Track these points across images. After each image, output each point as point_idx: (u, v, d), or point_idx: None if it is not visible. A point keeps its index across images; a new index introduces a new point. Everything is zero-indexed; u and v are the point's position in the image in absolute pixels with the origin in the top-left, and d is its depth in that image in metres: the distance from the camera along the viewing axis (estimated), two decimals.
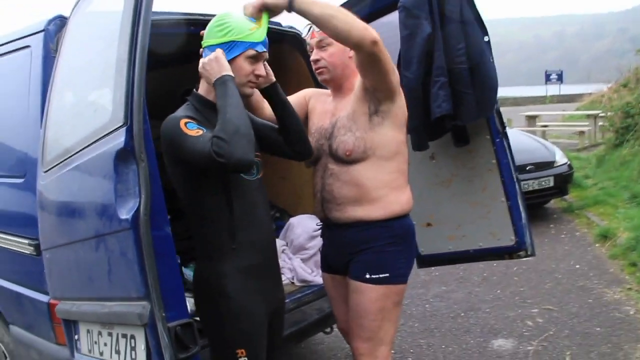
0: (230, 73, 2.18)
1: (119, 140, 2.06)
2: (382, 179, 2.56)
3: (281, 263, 3.81)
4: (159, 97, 3.15)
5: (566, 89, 35.48)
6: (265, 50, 2.29)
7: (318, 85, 3.13)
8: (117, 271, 2.20)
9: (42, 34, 3.05)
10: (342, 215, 2.60)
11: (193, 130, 2.10)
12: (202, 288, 2.31)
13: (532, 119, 17.26)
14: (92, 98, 2.52)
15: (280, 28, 3.86)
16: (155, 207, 1.99)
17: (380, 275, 2.55)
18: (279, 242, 4.06)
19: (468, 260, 3.77)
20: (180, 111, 2.26)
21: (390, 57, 2.41)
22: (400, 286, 2.62)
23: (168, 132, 2.15)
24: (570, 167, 8.12)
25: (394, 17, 3.26)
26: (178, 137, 2.10)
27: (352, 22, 2.26)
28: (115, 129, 2.10)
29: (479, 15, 3.12)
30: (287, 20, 3.43)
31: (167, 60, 3.75)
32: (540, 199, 8.03)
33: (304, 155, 2.58)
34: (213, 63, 2.19)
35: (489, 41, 3.12)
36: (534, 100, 32.53)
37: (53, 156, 2.65)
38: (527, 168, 7.53)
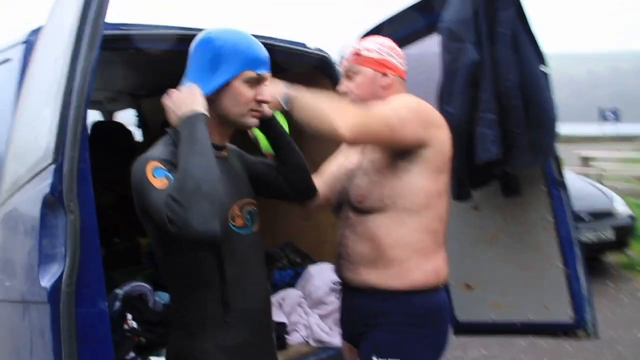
0: (203, 110, 1.76)
1: (45, 182, 1.67)
2: (403, 237, 2.18)
3: (296, 318, 3.59)
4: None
5: (622, 128, 34.67)
6: (267, 72, 1.89)
7: None
8: (36, 353, 1.79)
9: (23, 45, 2.72)
10: (354, 277, 2.28)
11: (159, 179, 1.67)
12: None
13: (586, 160, 16.57)
14: (33, 126, 2.10)
15: (306, 49, 3.56)
16: (88, 275, 1.58)
17: None
18: (296, 293, 3.73)
19: (513, 334, 3.41)
20: (155, 149, 1.84)
21: (387, 121, 2.10)
22: None
23: (134, 177, 1.73)
24: (632, 217, 7.62)
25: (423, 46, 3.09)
26: (142, 186, 1.68)
27: (320, 117, 2.05)
28: (44, 168, 1.71)
29: (536, 39, 2.72)
30: (314, 41, 3.12)
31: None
32: (596, 253, 7.51)
33: (307, 195, 2.21)
34: (185, 93, 1.78)
35: (547, 71, 2.73)
36: (587, 139, 31.93)
37: None
38: (582, 217, 7.01)
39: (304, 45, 3.55)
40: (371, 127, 2.07)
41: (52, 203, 1.65)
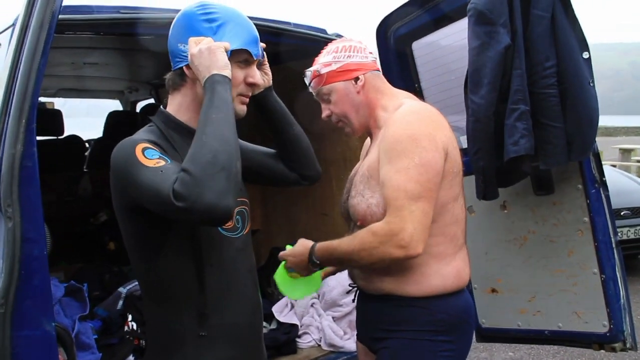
0: (226, 72, 1.59)
1: None
2: None
3: (308, 320, 3.43)
4: None
5: None
6: (259, 56, 1.75)
7: None
8: None
9: (10, 30, 2.56)
10: (368, 286, 2.17)
11: (153, 160, 1.51)
12: None
13: (626, 153, 16.17)
14: None
15: (326, 36, 3.38)
16: (31, 292, 1.36)
17: None
18: None
19: (541, 342, 3.18)
20: (139, 133, 1.68)
21: (420, 195, 1.93)
22: None
23: (118, 163, 1.56)
24: None
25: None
26: (131, 169, 1.51)
27: (368, 257, 1.95)
28: None
29: (578, 23, 2.47)
30: (334, 27, 2.97)
31: None
32: (635, 250, 7.33)
33: (313, 178, 2.13)
34: (204, 54, 1.60)
35: (589, 58, 2.48)
36: (628, 130, 31.35)
37: None
38: (622, 213, 6.94)
39: (324, 31, 3.40)
40: (413, 221, 1.89)
41: None
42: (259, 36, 1.74)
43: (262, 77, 1.82)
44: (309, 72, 2.17)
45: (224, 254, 1.71)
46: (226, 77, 1.57)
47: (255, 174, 1.96)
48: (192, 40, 1.62)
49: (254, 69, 1.72)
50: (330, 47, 2.18)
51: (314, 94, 2.22)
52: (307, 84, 2.22)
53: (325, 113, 2.20)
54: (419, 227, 1.87)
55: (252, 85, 1.72)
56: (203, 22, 1.65)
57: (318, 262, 2.02)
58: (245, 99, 1.73)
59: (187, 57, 1.64)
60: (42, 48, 1.49)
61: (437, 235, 2.04)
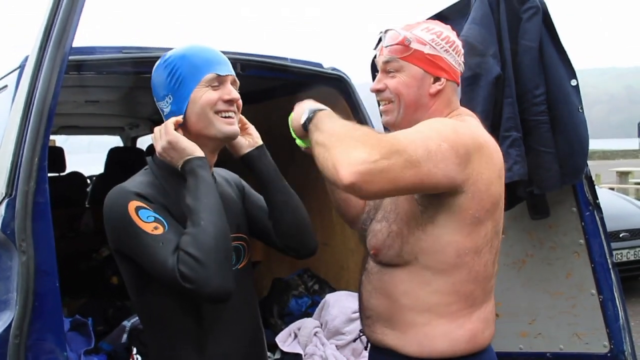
0: (197, 154, 1.63)
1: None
2: (424, 299, 1.72)
3: (312, 349, 3.41)
4: None
5: None
6: (229, 73, 1.74)
7: None
8: None
9: (17, 71, 2.62)
10: (370, 334, 1.87)
11: (150, 224, 1.56)
12: None
13: (623, 175, 16.19)
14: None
15: (322, 70, 3.45)
16: (45, 323, 1.38)
17: None
18: (312, 323, 3.53)
19: None
20: (133, 180, 1.71)
21: (411, 157, 1.50)
22: None
23: (111, 214, 1.61)
24: None
25: None
26: (127, 229, 1.57)
27: (328, 148, 1.52)
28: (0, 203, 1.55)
29: (565, 52, 2.56)
30: (330, 62, 3.00)
31: None
32: (634, 272, 7.23)
33: (300, 253, 1.95)
34: (170, 150, 1.66)
35: (577, 85, 2.55)
36: (625, 154, 31.43)
37: None
38: (621, 235, 6.87)
39: (320, 65, 3.45)
40: (389, 169, 1.46)
41: (4, 242, 1.51)
42: (224, 58, 1.75)
43: (245, 138, 1.82)
44: (395, 34, 1.76)
45: None
46: (202, 157, 1.63)
47: (252, 228, 1.92)
48: (155, 133, 1.69)
49: (227, 87, 1.72)
50: (434, 26, 1.79)
51: (380, 57, 1.83)
52: (379, 42, 1.84)
53: (377, 85, 1.82)
54: (376, 171, 1.43)
55: (229, 101, 1.71)
56: (165, 77, 1.70)
57: (307, 124, 1.65)
58: (230, 117, 1.72)
59: (166, 113, 1.71)
60: (54, 90, 1.55)
61: (449, 292, 1.70)
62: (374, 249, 1.79)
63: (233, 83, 1.75)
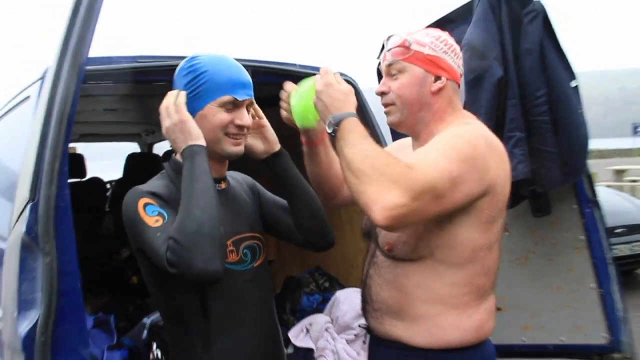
0: (200, 141, 1.61)
1: (23, 222, 1.52)
2: (437, 291, 1.71)
3: (324, 344, 3.38)
4: None
5: None
6: (247, 97, 1.70)
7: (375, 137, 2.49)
8: None
9: (39, 82, 2.61)
10: (377, 326, 1.83)
11: (152, 217, 1.55)
12: None
13: (619, 173, 16.16)
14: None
15: None
16: (68, 322, 1.38)
17: None
18: (323, 319, 3.51)
19: (545, 357, 3.11)
20: (148, 182, 1.71)
21: (436, 188, 1.52)
22: None
23: (127, 212, 1.61)
24: None
25: None
26: (136, 224, 1.57)
27: (362, 174, 1.52)
28: (24, 208, 1.55)
29: (565, 54, 2.52)
30: (336, 67, 2.94)
31: None
32: (631, 266, 7.30)
33: (320, 246, 1.96)
34: (176, 130, 1.63)
35: (577, 87, 2.53)
36: (620, 152, 31.39)
37: None
38: (618, 231, 6.82)
39: None
40: (420, 210, 1.50)
41: (29, 245, 1.51)
42: (247, 79, 1.71)
43: (262, 143, 1.81)
44: (396, 38, 1.79)
45: (228, 285, 1.69)
46: (202, 146, 1.60)
47: (268, 225, 1.91)
48: (161, 108, 1.66)
49: (242, 112, 1.69)
50: (432, 31, 1.82)
51: (383, 62, 1.84)
52: (383, 47, 1.85)
53: (381, 88, 1.83)
54: (408, 212, 1.46)
55: (241, 127, 1.69)
56: (185, 83, 1.67)
57: (332, 122, 1.61)
58: (238, 139, 1.70)
59: None
60: (72, 98, 1.54)
61: (463, 285, 1.70)
62: (388, 244, 1.75)
63: (250, 105, 1.73)
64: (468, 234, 1.66)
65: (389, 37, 1.83)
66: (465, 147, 1.59)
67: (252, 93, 1.72)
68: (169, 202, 1.61)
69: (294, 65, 3.18)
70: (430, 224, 1.65)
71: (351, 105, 1.66)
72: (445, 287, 1.70)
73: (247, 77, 1.72)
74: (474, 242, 1.67)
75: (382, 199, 1.45)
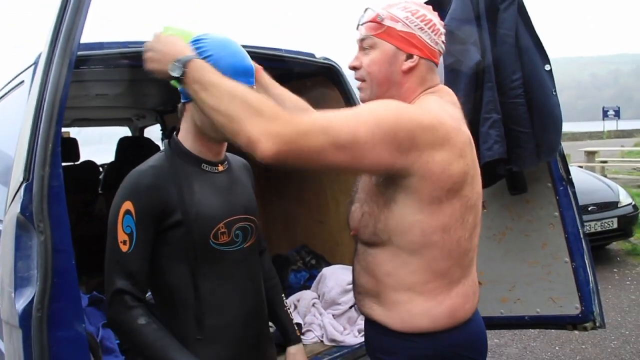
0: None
1: (18, 202, 1.50)
2: (404, 278, 1.62)
3: (311, 319, 3.38)
4: None
5: (623, 125, 34.43)
6: (250, 85, 1.62)
7: None
8: None
9: (32, 67, 2.56)
10: (361, 307, 1.79)
11: (124, 234, 1.53)
12: None
13: (591, 155, 16.29)
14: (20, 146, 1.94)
15: (314, 60, 3.38)
16: (62, 297, 1.39)
17: None
18: (310, 294, 3.52)
19: (522, 327, 3.17)
20: (146, 165, 1.64)
21: (336, 138, 1.38)
22: None
23: (113, 205, 1.58)
24: (635, 207, 7.38)
25: None
26: (111, 230, 1.56)
27: (232, 111, 1.37)
28: (19, 188, 1.53)
29: (539, 39, 2.53)
30: (322, 51, 2.90)
31: None
32: (602, 242, 7.35)
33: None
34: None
35: (550, 70, 2.52)
36: (591, 135, 31.70)
37: None
38: (589, 209, 6.89)
39: (312, 55, 3.39)
40: (310, 144, 1.36)
41: (24, 224, 1.50)
42: (250, 66, 1.65)
43: None
44: (371, 12, 1.65)
45: (218, 264, 1.68)
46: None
47: None
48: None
49: None
50: (410, 5, 1.64)
51: (357, 36, 1.70)
52: (359, 21, 1.70)
53: (354, 62, 1.69)
54: (298, 143, 1.35)
55: None
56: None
57: (179, 65, 1.44)
58: None
59: (184, 93, 1.61)
60: (64, 81, 1.51)
61: (423, 271, 1.60)
62: (353, 229, 1.70)
63: None
64: (414, 216, 1.54)
65: (365, 10, 1.68)
66: (387, 117, 1.44)
67: (253, 80, 1.66)
68: (155, 203, 1.57)
69: (280, 50, 3.16)
70: (380, 203, 1.59)
71: (189, 49, 1.53)
72: (410, 274, 1.60)
73: (250, 64, 1.64)
74: (423, 224, 1.54)
75: (266, 132, 1.32)
